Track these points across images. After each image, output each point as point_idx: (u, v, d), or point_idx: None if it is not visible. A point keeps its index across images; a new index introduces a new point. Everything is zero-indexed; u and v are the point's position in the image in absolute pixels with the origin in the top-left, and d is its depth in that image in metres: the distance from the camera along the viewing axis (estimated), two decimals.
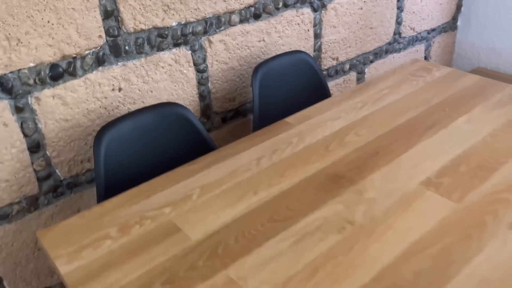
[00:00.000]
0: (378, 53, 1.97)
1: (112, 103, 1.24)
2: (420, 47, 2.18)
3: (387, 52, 2.01)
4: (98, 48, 1.15)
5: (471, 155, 1.01)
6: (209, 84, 1.44)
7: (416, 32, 2.11)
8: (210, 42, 1.38)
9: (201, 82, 1.41)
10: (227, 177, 0.99)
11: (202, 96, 1.43)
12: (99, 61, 1.17)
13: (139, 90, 1.28)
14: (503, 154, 1.00)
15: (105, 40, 1.16)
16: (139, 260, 0.79)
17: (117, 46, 1.18)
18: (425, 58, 2.25)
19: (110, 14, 1.15)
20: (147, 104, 1.31)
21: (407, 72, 1.43)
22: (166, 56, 1.29)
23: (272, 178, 0.98)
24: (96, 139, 1.09)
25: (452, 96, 1.27)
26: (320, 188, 0.94)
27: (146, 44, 1.24)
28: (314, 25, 1.65)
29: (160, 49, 1.27)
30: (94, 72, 1.17)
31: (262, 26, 1.49)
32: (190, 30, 1.32)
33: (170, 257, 0.79)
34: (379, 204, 0.88)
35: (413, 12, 2.03)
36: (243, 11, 1.41)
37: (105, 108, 1.23)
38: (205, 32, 1.35)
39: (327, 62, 1.77)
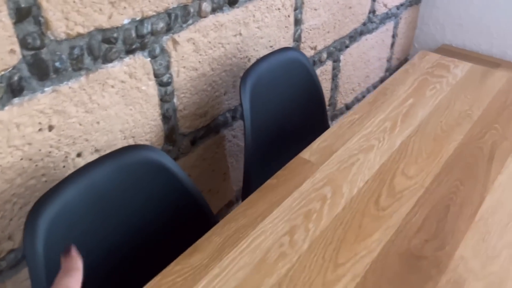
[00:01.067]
0: (353, 36, 1.68)
1: (40, 150, 0.80)
2: (390, 25, 1.93)
3: (361, 34, 1.72)
4: (10, 70, 0.71)
5: None
6: (175, 100, 1.04)
7: (388, 8, 1.84)
8: (175, 42, 0.97)
9: (165, 98, 1.01)
10: (255, 275, 0.65)
11: (166, 117, 1.04)
12: (14, 90, 0.72)
13: (80, 124, 0.85)
14: None
15: (20, 57, 0.71)
16: None
17: (42, 64, 0.74)
18: (393, 36, 2.01)
19: (26, 14, 0.70)
20: (93, 143, 0.89)
21: (423, 71, 1.16)
22: (117, 69, 0.87)
23: (325, 271, 0.65)
24: (28, 221, 0.67)
25: (492, 106, 1.02)
26: (399, 283, 0.63)
27: (86, 55, 0.81)
28: (295, 9, 1.30)
29: (107, 60, 0.85)
30: (7, 108, 0.73)
31: (239, 15, 1.10)
32: (149, 29, 0.90)
33: None
34: None
35: None
36: None
37: (30, 160, 0.79)
38: (168, 30, 0.94)
39: (306, 53, 1.44)
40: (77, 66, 0.80)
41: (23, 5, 0.69)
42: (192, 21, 0.99)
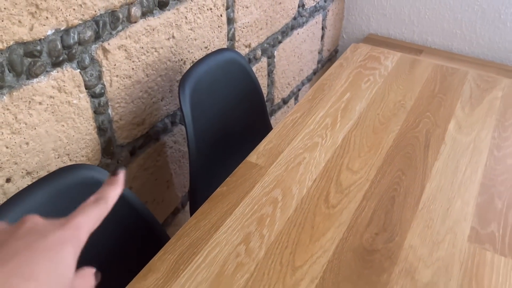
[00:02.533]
0: (285, 31, 1.69)
1: None
2: (319, 18, 1.97)
3: (292, 28, 1.74)
4: None
5: (494, 180, 0.83)
6: (110, 111, 0.98)
7: (316, 1, 1.88)
8: (105, 51, 0.91)
9: (99, 110, 0.95)
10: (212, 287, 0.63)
11: (101, 130, 0.98)
12: None
13: (7, 147, 0.78)
14: None
15: None
16: None
17: None
18: (322, 29, 2.05)
19: None
20: (23, 165, 0.82)
21: (356, 64, 1.19)
22: (44, 84, 0.81)
23: (284, 276, 0.65)
24: None
25: (422, 94, 1.07)
26: (357, 279, 0.65)
27: (7, 72, 0.74)
28: (227, 8, 1.28)
29: (32, 75, 0.78)
30: None
31: (171, 17, 1.06)
32: (76, 39, 0.84)
33: None
34: None
35: None
36: (145, 0, 0.97)
37: None
38: (97, 38, 0.89)
39: (240, 51, 1.43)
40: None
41: None
42: (122, 27, 0.94)
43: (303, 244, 0.70)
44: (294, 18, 1.74)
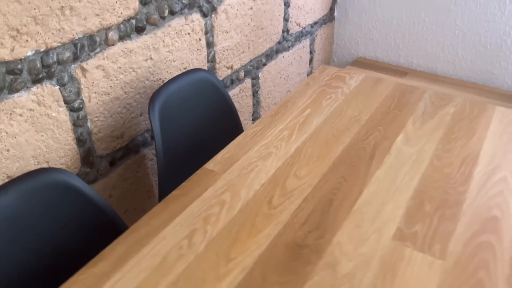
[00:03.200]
0: (270, 55, 1.80)
1: None
2: (306, 43, 2.08)
3: (277, 52, 1.85)
4: None
5: (428, 187, 0.89)
6: (89, 124, 1.09)
7: (302, 27, 1.99)
8: (83, 70, 1.03)
9: (77, 123, 1.06)
10: (154, 276, 0.71)
11: (80, 141, 1.09)
12: None
13: None
14: (458, 181, 0.91)
15: None
16: None
17: None
18: (310, 52, 2.16)
19: None
20: (4, 170, 0.92)
21: (321, 84, 1.29)
22: (24, 98, 0.92)
23: (218, 266, 0.73)
24: None
25: (378, 111, 1.15)
26: (283, 270, 0.72)
27: None
28: (206, 33, 1.39)
29: (13, 90, 0.89)
30: None
31: (148, 41, 1.18)
32: (55, 59, 0.96)
33: None
34: (361, 281, 0.70)
35: (298, 7, 1.89)
36: (122, 26, 1.09)
37: None
38: (76, 59, 1.00)
39: (222, 73, 1.54)
40: None
41: None
42: (100, 49, 1.05)
43: (241, 240, 0.78)
44: (279, 43, 1.85)
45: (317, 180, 0.92)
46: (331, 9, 2.23)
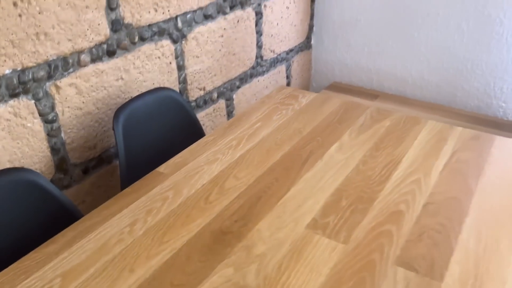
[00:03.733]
0: (244, 78, 1.96)
1: None
2: (282, 68, 2.24)
3: (252, 76, 2.01)
4: None
5: (348, 186, 1.01)
6: (62, 135, 1.24)
7: (276, 54, 2.15)
8: (57, 87, 1.19)
9: (51, 133, 1.21)
10: (95, 255, 0.84)
11: (54, 150, 1.23)
12: None
13: None
14: (376, 182, 1.03)
15: None
16: None
17: None
18: (287, 77, 2.31)
19: None
20: None
21: (276, 101, 1.43)
22: (1, 110, 1.07)
23: (151, 248, 0.85)
24: None
25: (321, 124, 1.28)
26: (206, 251, 0.84)
27: None
28: (176, 57, 1.55)
29: None
30: None
31: (119, 63, 1.34)
32: (30, 77, 1.11)
33: None
34: (270, 260, 0.82)
35: (271, 35, 2.06)
36: (94, 49, 1.25)
37: None
38: (50, 77, 1.16)
39: (194, 93, 1.69)
40: None
41: None
42: (73, 69, 1.21)
43: (175, 228, 0.90)
44: (253, 67, 2.00)
45: (252, 180, 1.04)
46: (308, 38, 2.40)
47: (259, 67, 2.05)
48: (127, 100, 1.41)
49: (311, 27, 2.39)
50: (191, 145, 1.20)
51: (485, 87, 2.06)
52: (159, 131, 1.34)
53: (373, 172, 1.06)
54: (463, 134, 1.22)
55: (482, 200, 0.96)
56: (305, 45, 2.39)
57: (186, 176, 1.07)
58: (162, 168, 1.10)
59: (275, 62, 2.16)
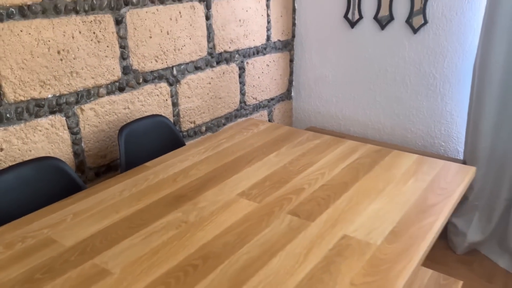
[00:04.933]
0: (229, 117, 2.46)
1: None
2: (264, 113, 2.74)
3: (236, 116, 2.51)
4: None
5: (274, 175, 1.45)
6: (83, 144, 1.74)
7: (258, 101, 2.66)
8: (82, 110, 1.70)
9: (75, 142, 1.71)
10: (95, 205, 1.29)
11: (76, 154, 1.72)
12: None
13: (19, 150, 1.53)
14: (294, 173, 1.47)
15: None
16: (21, 263, 1.04)
17: (0, 115, 1.45)
18: (269, 120, 2.80)
19: None
20: None
21: (241, 127, 1.91)
22: (44, 121, 1.58)
23: (131, 202, 1.30)
24: None
25: (269, 141, 1.74)
26: (167, 205, 1.28)
27: (25, 112, 1.52)
28: (171, 96, 2.07)
29: (38, 116, 1.56)
30: None
31: (127, 97, 1.86)
32: (64, 101, 1.63)
33: (48, 258, 1.05)
34: (207, 210, 1.25)
35: (253, 85, 2.59)
36: (109, 85, 1.78)
37: None
38: (77, 102, 1.68)
39: (186, 125, 2.19)
40: (19, 117, 1.51)
41: None
42: (93, 98, 1.73)
43: (150, 194, 1.35)
44: (237, 110, 2.51)
45: (209, 170, 1.49)
46: (288, 90, 2.92)
47: (243, 110, 2.55)
48: None
49: (290, 82, 2.92)
50: (173, 151, 1.67)
51: (428, 130, 2.50)
52: (152, 145, 1.82)
53: (294, 168, 1.50)
54: (370, 148, 1.66)
55: (362, 183, 1.38)
56: (286, 95, 2.91)
57: (164, 168, 1.53)
58: (149, 164, 1.57)
59: (257, 107, 2.66)
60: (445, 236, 2.45)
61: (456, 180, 1.39)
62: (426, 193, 1.32)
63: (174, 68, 2.05)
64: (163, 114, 2.05)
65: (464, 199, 2.33)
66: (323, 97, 2.83)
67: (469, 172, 1.45)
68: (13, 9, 1.42)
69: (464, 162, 2.31)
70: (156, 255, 1.06)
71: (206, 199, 1.31)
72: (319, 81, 2.82)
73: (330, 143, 1.71)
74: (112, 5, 1.71)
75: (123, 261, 1.04)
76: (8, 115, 1.48)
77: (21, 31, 1.46)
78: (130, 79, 1.86)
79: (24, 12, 1.45)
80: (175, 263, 1.03)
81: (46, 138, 1.61)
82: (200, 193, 1.35)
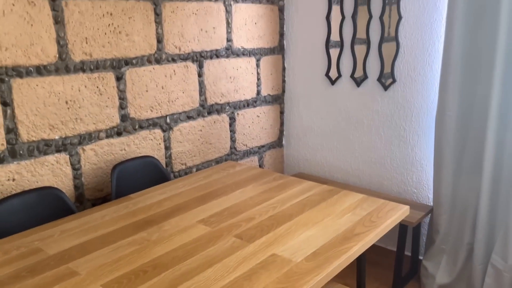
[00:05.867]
0: (220, 161, 2.75)
1: (6, 189, 1.79)
2: (255, 158, 3.02)
3: (227, 160, 2.80)
4: (0, 152, 1.76)
5: (233, 207, 1.72)
6: (82, 179, 2.05)
7: (249, 147, 2.96)
8: (83, 150, 2.03)
9: (76, 176, 2.03)
10: (80, 225, 1.58)
11: (76, 187, 2.04)
12: (0, 160, 1.76)
13: (28, 181, 1.86)
14: (251, 206, 1.72)
15: (5, 147, 1.77)
16: (13, 265, 1.32)
17: (14, 151, 1.79)
18: (260, 166, 3.08)
19: (11, 131, 1.78)
20: None
21: (220, 168, 2.19)
22: (50, 158, 1.92)
23: (109, 224, 1.58)
24: None
25: (240, 180, 2.02)
26: (137, 227, 1.56)
27: (35, 150, 1.86)
28: (164, 141, 2.40)
29: (45, 153, 1.90)
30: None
31: (124, 140, 2.19)
32: (69, 142, 1.97)
33: (33, 262, 1.34)
34: (168, 232, 1.52)
35: (244, 133, 2.89)
36: (108, 130, 2.12)
37: (1, 194, 1.78)
38: (80, 143, 2.02)
39: (177, 166, 2.49)
40: (30, 154, 1.85)
41: (10, 127, 1.78)
42: (94, 141, 2.07)
43: (127, 218, 1.63)
44: (228, 155, 2.81)
45: (181, 202, 1.77)
46: (279, 138, 3.21)
47: (233, 155, 2.85)
48: None
49: (281, 131, 3.22)
50: (156, 185, 1.97)
51: (401, 177, 2.71)
52: (141, 181, 2.12)
53: (252, 202, 1.76)
54: (324, 188, 1.90)
55: (304, 216, 1.62)
56: (277, 143, 3.20)
57: (143, 199, 1.82)
58: (132, 195, 1.86)
59: (248, 153, 2.95)
60: (418, 278, 2.60)
61: (386, 216, 1.61)
62: (355, 225, 1.55)
63: (168, 117, 2.39)
64: (156, 156, 2.37)
65: (431, 243, 2.50)
66: (310, 145, 3.11)
67: (401, 210, 1.67)
68: (31, 68, 1.80)
69: (432, 208, 2.50)
70: (117, 262, 1.32)
71: (170, 224, 1.58)
72: (306, 131, 3.11)
73: (291, 183, 1.97)
74: (114, 65, 2.09)
75: (90, 266, 1.31)
76: (21, 151, 1.82)
77: (36, 85, 1.83)
78: (127, 125, 2.20)
79: (40, 71, 1.83)
80: (131, 269, 1.29)
81: (51, 172, 1.93)
82: (166, 219, 1.62)
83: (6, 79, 1.74)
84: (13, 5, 1.72)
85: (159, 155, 2.39)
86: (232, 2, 2.61)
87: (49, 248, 1.42)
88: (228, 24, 2.63)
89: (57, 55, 1.87)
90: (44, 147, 1.89)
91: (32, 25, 1.78)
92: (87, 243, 1.45)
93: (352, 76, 2.77)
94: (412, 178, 2.67)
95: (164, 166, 2.38)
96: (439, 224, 2.44)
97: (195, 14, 2.42)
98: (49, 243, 1.46)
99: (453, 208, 2.38)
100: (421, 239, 2.68)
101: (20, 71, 1.77)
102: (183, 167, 2.53)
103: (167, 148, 2.42)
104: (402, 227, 2.46)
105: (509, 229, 2.12)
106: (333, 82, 2.87)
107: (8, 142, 1.77)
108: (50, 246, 1.44)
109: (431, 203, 2.62)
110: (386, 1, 2.51)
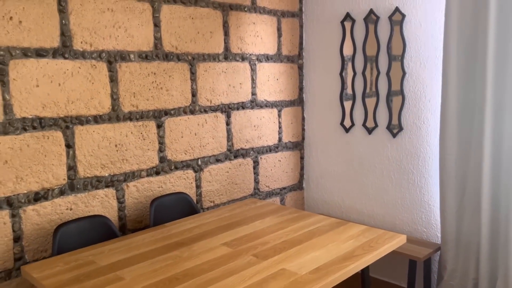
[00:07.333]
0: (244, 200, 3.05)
1: (65, 216, 2.16)
2: (277, 199, 3.31)
3: None
4: (62, 185, 2.14)
5: (253, 234, 2.00)
6: (126, 211, 2.40)
7: (271, 189, 3.26)
8: (127, 186, 2.40)
9: (120, 209, 2.38)
10: (125, 245, 1.91)
11: (120, 218, 2.38)
12: (61, 192, 2.14)
13: (82, 210, 2.22)
14: (267, 233, 2.01)
15: (66, 181, 2.15)
16: (73, 272, 1.64)
17: (73, 185, 2.17)
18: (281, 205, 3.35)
19: (71, 168, 2.17)
20: None
21: (243, 204, 2.50)
22: (100, 192, 2.28)
23: (148, 245, 1.90)
24: (54, 234, 1.99)
25: (259, 213, 2.31)
26: (171, 247, 1.87)
27: (89, 185, 2.24)
28: (196, 180, 2.74)
29: (97, 188, 2.27)
30: (58, 198, 2.13)
31: (161, 179, 2.55)
32: (116, 179, 2.34)
33: (88, 270, 1.66)
34: (196, 251, 1.82)
35: (266, 176, 3.21)
36: (149, 170, 2.48)
37: (61, 220, 2.14)
38: (125, 180, 2.38)
39: (206, 204, 2.82)
40: (84, 188, 2.22)
41: (71, 165, 2.18)
42: (136, 178, 2.43)
43: (161, 240, 1.95)
44: (251, 195, 3.11)
45: (208, 229, 2.08)
46: (300, 181, 3.51)
47: (257, 195, 3.15)
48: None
49: (302, 175, 3.51)
50: (185, 217, 2.29)
51: (412, 217, 2.92)
52: (175, 214, 2.45)
53: (269, 230, 2.05)
54: (333, 221, 2.17)
55: (313, 242, 1.89)
56: (298, 186, 3.48)
57: (177, 227, 2.14)
58: (167, 224, 2.19)
59: (270, 194, 3.25)
60: None
61: (383, 243, 1.86)
62: (355, 249, 1.80)
63: (199, 160, 2.75)
64: (188, 193, 2.71)
65: (440, 279, 2.66)
66: (328, 188, 3.38)
67: (398, 238, 1.91)
68: (90, 117, 2.22)
69: (440, 246, 2.69)
70: (155, 272, 1.63)
71: (198, 246, 1.88)
72: (324, 175, 3.39)
73: (305, 216, 2.25)
74: (156, 115, 2.49)
75: (133, 274, 1.62)
76: (78, 186, 2.20)
77: (93, 131, 2.24)
78: (164, 166, 2.56)
79: (97, 119, 2.24)
80: (165, 276, 1.59)
81: (100, 204, 2.29)
82: (195, 242, 1.92)
83: (71, 126, 2.16)
84: (80, 68, 2.17)
85: (191, 192, 2.72)
86: (256, 62, 3.03)
87: (100, 261, 1.74)
88: (253, 80, 3.03)
89: (111, 107, 2.29)
90: (96, 183, 2.27)
91: (93, 83, 2.22)
92: (130, 258, 1.77)
93: (364, 124, 3.08)
94: (421, 218, 2.88)
95: (195, 202, 2.71)
96: (446, 261, 2.62)
97: (225, 72, 2.84)
98: (100, 257, 1.78)
99: (458, 245, 2.57)
100: (432, 276, 2.85)
101: (81, 120, 2.19)
102: (212, 204, 2.85)
103: (198, 186, 2.76)
104: (411, 263, 2.65)
105: (509, 268, 2.29)
106: (347, 130, 3.18)
107: (68, 177, 2.16)
108: (101, 259, 1.76)
109: (440, 241, 2.80)
110: (392, 59, 2.86)
